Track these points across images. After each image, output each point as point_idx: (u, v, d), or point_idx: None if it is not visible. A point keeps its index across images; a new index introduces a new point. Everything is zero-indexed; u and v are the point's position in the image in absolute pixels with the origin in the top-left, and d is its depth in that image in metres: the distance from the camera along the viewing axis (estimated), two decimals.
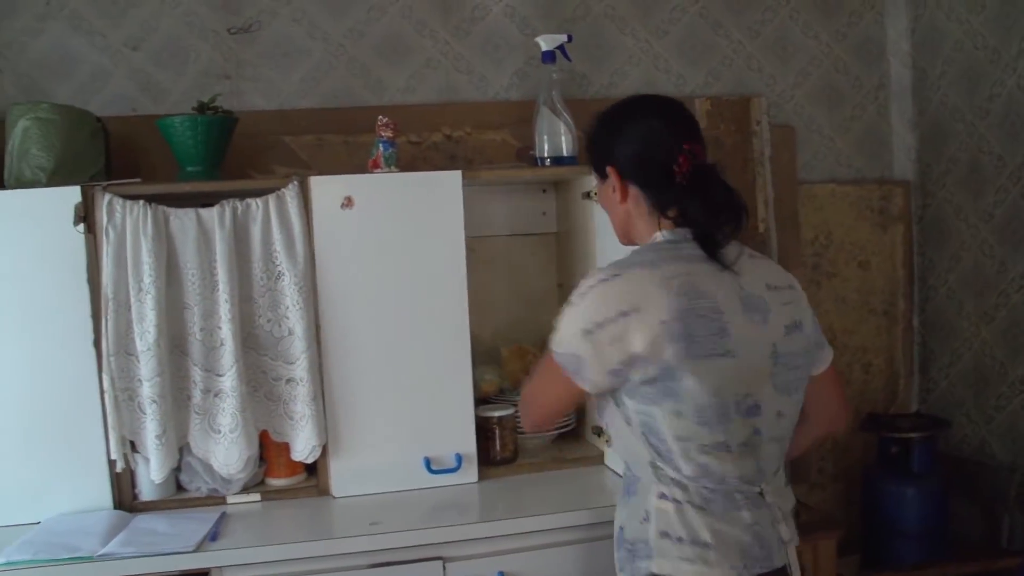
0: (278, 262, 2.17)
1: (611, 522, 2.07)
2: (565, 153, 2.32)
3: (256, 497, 2.23)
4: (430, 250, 2.22)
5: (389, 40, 2.59)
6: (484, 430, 2.32)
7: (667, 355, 1.50)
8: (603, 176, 1.71)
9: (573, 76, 2.67)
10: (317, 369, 2.18)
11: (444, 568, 2.01)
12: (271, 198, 2.15)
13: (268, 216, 2.16)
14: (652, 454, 1.59)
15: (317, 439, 2.18)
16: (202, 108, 2.23)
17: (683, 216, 1.62)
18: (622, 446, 1.68)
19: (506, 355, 2.54)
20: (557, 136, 2.32)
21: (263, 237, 2.16)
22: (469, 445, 2.27)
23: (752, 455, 1.59)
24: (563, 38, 2.30)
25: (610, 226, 1.77)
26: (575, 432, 2.54)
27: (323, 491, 2.23)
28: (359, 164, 2.33)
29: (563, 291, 2.67)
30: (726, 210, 1.58)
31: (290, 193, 2.16)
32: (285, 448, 2.22)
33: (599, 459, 2.38)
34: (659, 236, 1.64)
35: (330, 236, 2.17)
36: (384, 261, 2.20)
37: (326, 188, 2.17)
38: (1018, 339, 2.59)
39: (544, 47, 2.30)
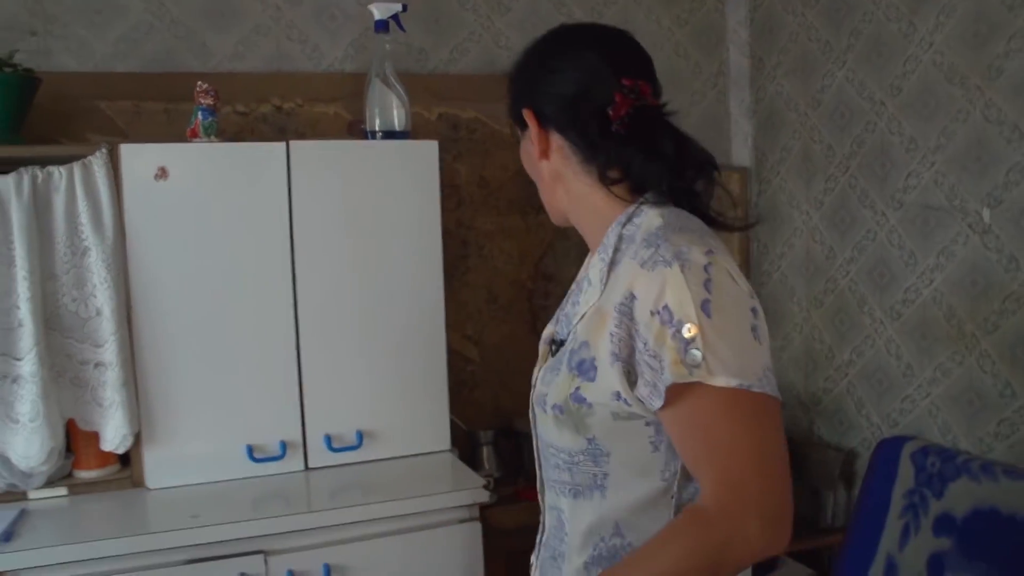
0: (84, 236, 2.00)
1: (443, 510, 2.04)
2: (397, 127, 2.23)
3: (62, 491, 2.06)
4: (253, 226, 2.10)
5: (215, 2, 2.42)
6: None
7: None
8: (522, 125, 1.28)
9: (411, 50, 2.57)
10: (128, 352, 2.03)
11: (266, 561, 1.92)
12: (76, 166, 1.99)
13: (73, 186, 1.99)
14: None
15: (128, 427, 2.03)
16: None
17: (628, 176, 1.22)
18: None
19: None
20: (389, 110, 2.23)
21: (67, 209, 1.99)
22: (295, 431, 2.16)
23: None
24: (397, 7, 2.21)
25: None
26: None
27: (137, 483, 2.09)
28: (181, 134, 2.18)
29: None
30: (689, 165, 1.21)
31: (97, 161, 2.00)
32: (94, 438, 2.06)
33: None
34: (652, 198, 1.21)
35: (142, 209, 2.02)
36: (202, 237, 2.07)
37: (138, 157, 2.01)
38: (844, 323, 2.67)
39: (377, 15, 2.20)
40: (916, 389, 2.47)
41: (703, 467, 1.08)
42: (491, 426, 2.62)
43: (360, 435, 2.20)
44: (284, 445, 2.14)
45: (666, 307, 1.06)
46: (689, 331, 1.04)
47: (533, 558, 1.35)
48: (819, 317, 2.77)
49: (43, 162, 1.98)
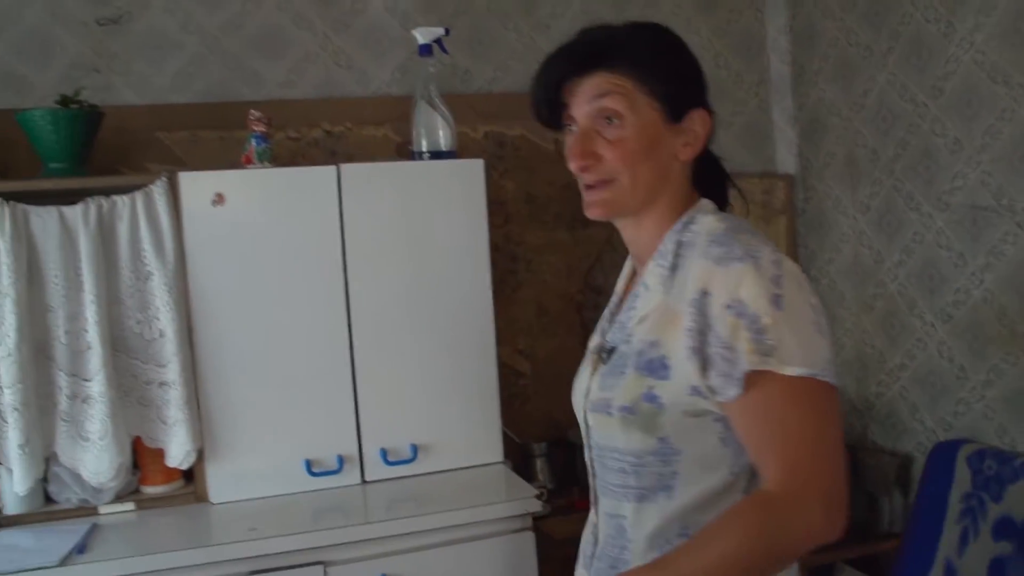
0: (147, 262, 2.09)
1: (496, 521, 2.07)
2: (443, 147, 2.29)
3: (130, 506, 2.15)
4: (307, 247, 2.18)
5: (266, 33, 2.52)
6: None
7: None
8: (676, 117, 1.25)
9: (455, 71, 2.64)
10: (191, 371, 2.11)
11: (325, 572, 1.97)
12: (138, 195, 2.08)
13: (135, 214, 2.08)
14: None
15: (192, 444, 2.11)
16: (65, 102, 2.13)
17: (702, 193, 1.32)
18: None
19: None
20: (435, 130, 2.29)
21: (130, 236, 2.09)
22: (351, 446, 2.22)
23: None
24: (440, 31, 2.28)
25: None
26: None
27: (201, 497, 2.17)
28: (236, 160, 2.26)
29: None
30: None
31: (158, 190, 2.09)
32: (160, 454, 2.14)
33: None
34: (708, 206, 1.29)
35: (201, 234, 2.11)
36: (259, 259, 2.14)
37: (196, 184, 2.10)
38: (895, 327, 2.66)
39: (421, 40, 2.27)
40: (970, 392, 2.44)
41: (768, 453, 1.11)
42: (544, 438, 2.66)
43: (415, 448, 2.25)
44: (341, 459, 2.20)
45: (740, 301, 1.11)
46: (762, 322, 1.10)
47: (583, 571, 1.36)
48: (869, 321, 2.76)
49: (107, 192, 2.08)
